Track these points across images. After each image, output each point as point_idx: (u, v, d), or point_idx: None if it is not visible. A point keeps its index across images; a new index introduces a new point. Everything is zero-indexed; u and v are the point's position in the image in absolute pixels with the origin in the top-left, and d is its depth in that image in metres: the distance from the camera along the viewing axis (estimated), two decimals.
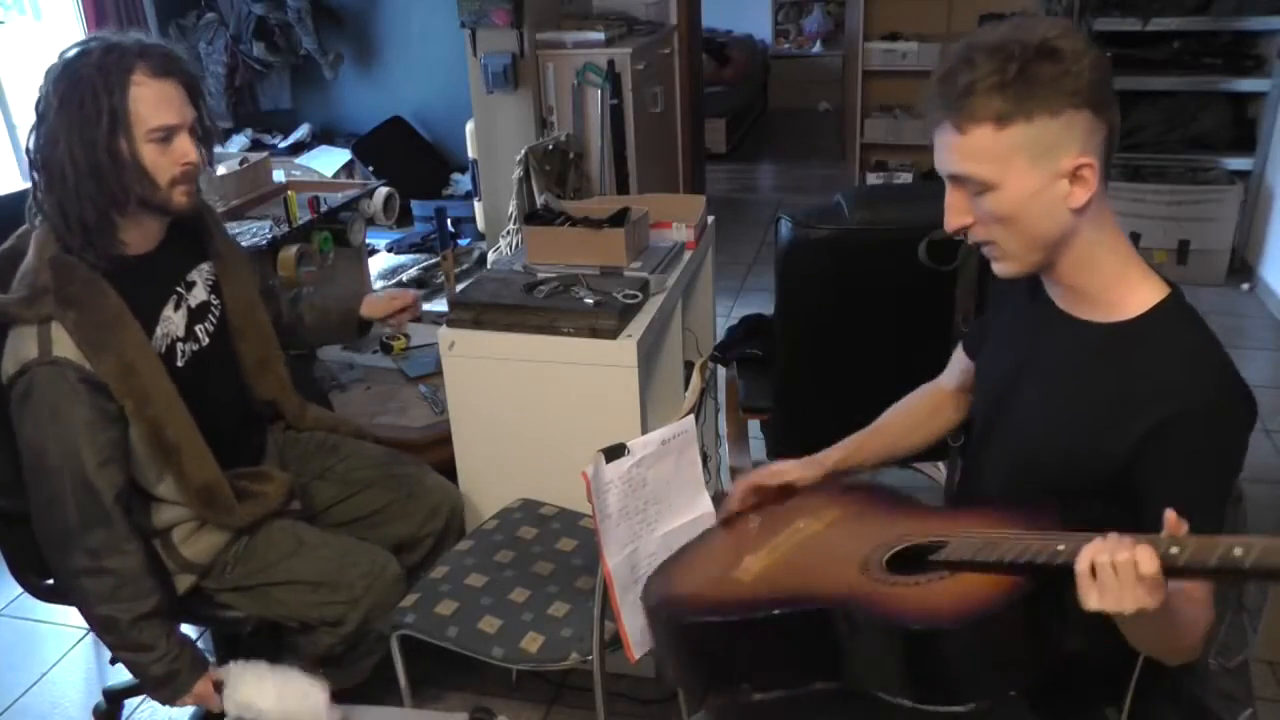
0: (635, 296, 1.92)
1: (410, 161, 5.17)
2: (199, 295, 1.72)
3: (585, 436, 1.64)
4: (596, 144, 3.50)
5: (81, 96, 1.45)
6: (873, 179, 5.37)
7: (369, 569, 1.74)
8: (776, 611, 1.09)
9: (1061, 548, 0.95)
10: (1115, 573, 0.88)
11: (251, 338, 1.80)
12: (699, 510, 1.44)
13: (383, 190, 3.05)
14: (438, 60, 5.07)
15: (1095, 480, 1.09)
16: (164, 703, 1.64)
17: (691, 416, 1.47)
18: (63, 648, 2.34)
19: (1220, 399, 1.04)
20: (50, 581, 1.78)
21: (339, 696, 1.86)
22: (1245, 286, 4.10)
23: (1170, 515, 0.90)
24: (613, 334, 1.82)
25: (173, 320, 1.66)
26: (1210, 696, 1.27)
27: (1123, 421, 1.05)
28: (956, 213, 1.11)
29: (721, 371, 2.53)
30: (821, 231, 1.99)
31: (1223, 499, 1.09)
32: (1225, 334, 1.08)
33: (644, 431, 1.77)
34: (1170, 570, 0.87)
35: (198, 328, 1.71)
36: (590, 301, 1.88)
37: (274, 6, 4.93)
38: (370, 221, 3.03)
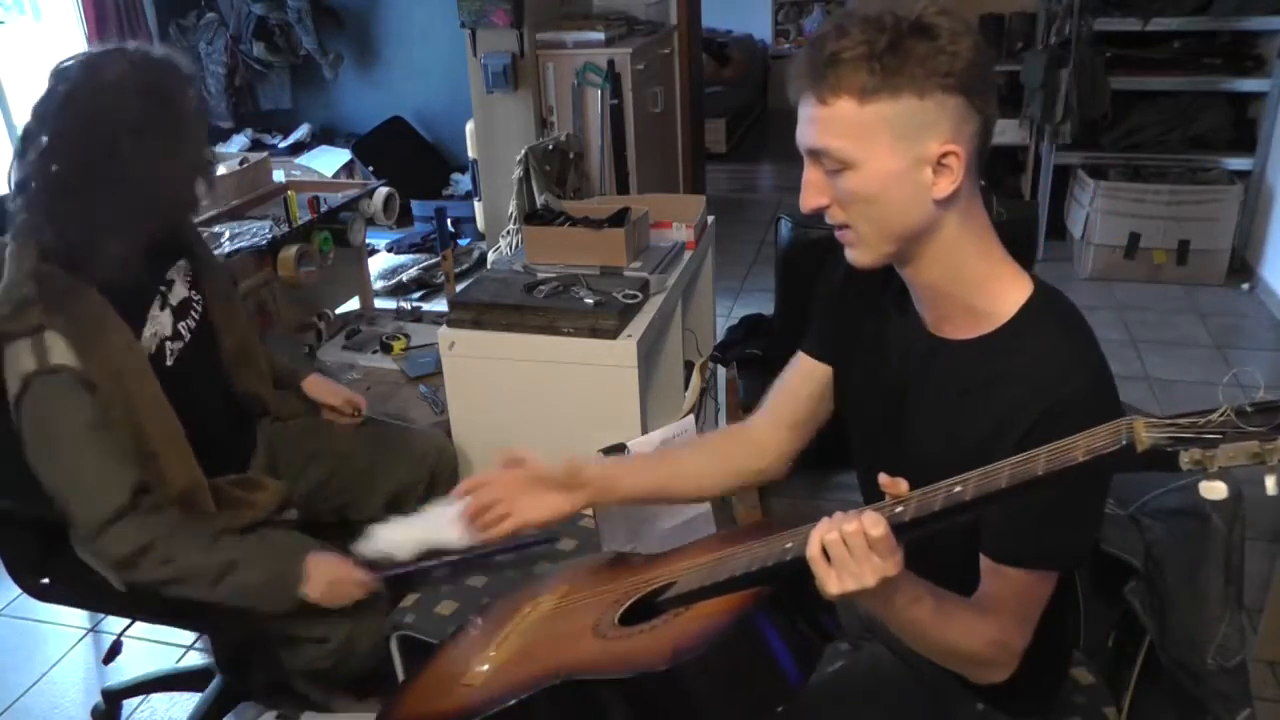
0: (635, 296, 1.92)
1: (410, 161, 5.17)
2: (180, 292, 1.72)
3: (585, 436, 1.64)
4: (596, 144, 3.50)
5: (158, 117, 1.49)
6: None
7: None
8: (513, 702, 0.98)
9: (789, 545, 0.92)
10: (847, 546, 0.86)
11: (232, 331, 1.80)
12: (697, 510, 1.44)
13: (383, 190, 3.05)
14: (438, 60, 5.07)
15: None
16: (288, 605, 1.60)
17: (691, 416, 1.47)
18: (63, 648, 2.33)
19: (1091, 386, 1.00)
20: (46, 580, 1.77)
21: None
22: (1245, 286, 4.10)
23: (884, 477, 0.88)
24: (613, 334, 1.82)
25: (160, 319, 1.66)
26: (1208, 696, 1.27)
27: (1004, 432, 1.00)
28: (814, 191, 1.04)
29: (721, 371, 2.53)
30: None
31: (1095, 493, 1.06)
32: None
33: (644, 431, 1.78)
34: (900, 526, 0.86)
35: (181, 325, 1.70)
36: (590, 301, 1.88)
37: (274, 6, 4.94)
38: (370, 221, 3.03)
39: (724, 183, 6.13)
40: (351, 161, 5.07)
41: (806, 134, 1.02)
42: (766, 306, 2.93)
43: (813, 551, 0.88)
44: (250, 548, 1.61)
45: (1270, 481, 0.71)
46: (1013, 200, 4.30)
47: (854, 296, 1.21)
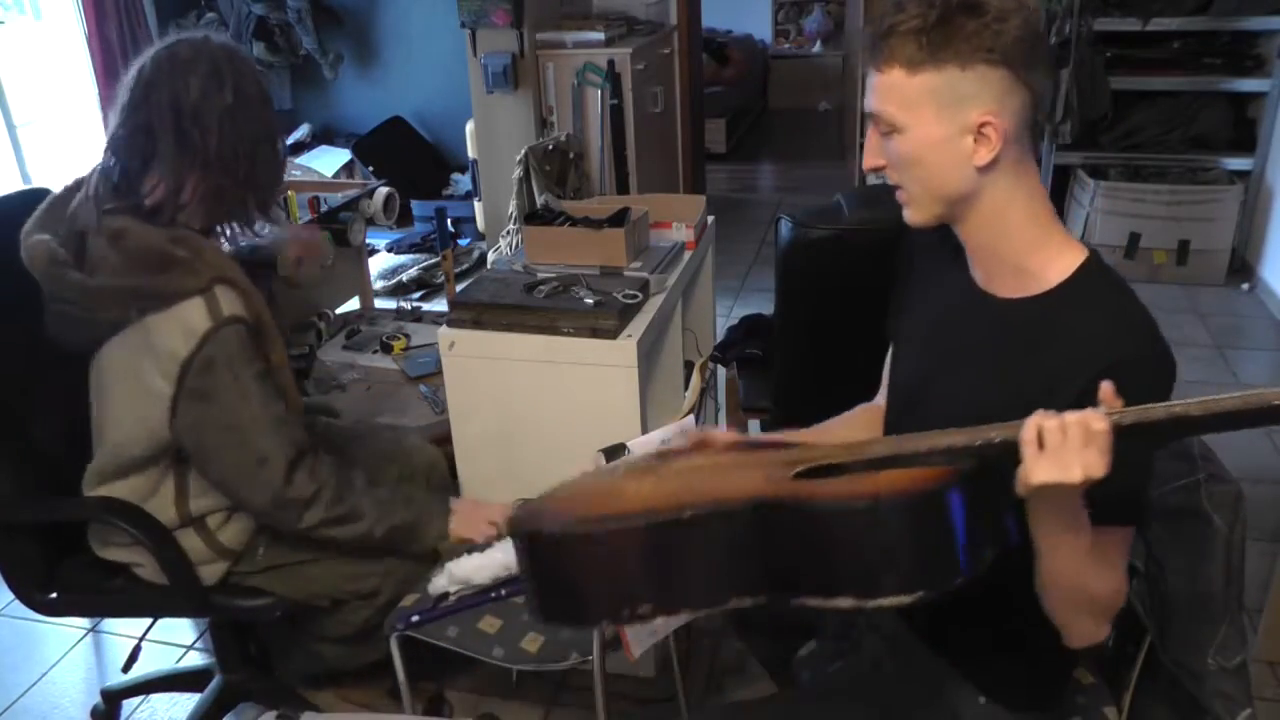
0: (635, 296, 1.92)
1: (410, 161, 5.17)
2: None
3: (585, 436, 1.64)
4: (596, 144, 3.50)
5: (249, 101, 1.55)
6: (872, 179, 5.37)
7: None
8: (688, 515, 0.93)
9: (994, 434, 0.92)
10: (1065, 434, 0.86)
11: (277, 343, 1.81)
12: None
13: (383, 190, 3.05)
14: (438, 60, 5.07)
15: None
16: (432, 543, 1.73)
17: (691, 416, 1.47)
18: (63, 648, 2.34)
19: (1153, 351, 1.03)
20: (54, 595, 1.76)
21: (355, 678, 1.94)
22: (1245, 286, 4.10)
23: (1105, 386, 0.89)
24: (613, 334, 1.82)
25: None
26: (1208, 697, 1.27)
27: (1057, 390, 1.01)
28: (871, 153, 1.14)
29: (721, 371, 2.53)
30: (821, 231, 1.99)
31: (1150, 453, 1.09)
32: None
33: (644, 431, 1.78)
34: (1118, 430, 0.86)
35: None
36: (590, 301, 1.88)
37: (274, 6, 4.93)
38: (370, 221, 3.03)
39: (724, 183, 6.13)
40: (351, 161, 5.07)
41: (868, 99, 1.11)
42: (766, 306, 2.93)
43: (1028, 434, 0.88)
44: (399, 492, 1.74)
45: None
46: None
47: (919, 266, 1.28)
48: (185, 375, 1.50)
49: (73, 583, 1.76)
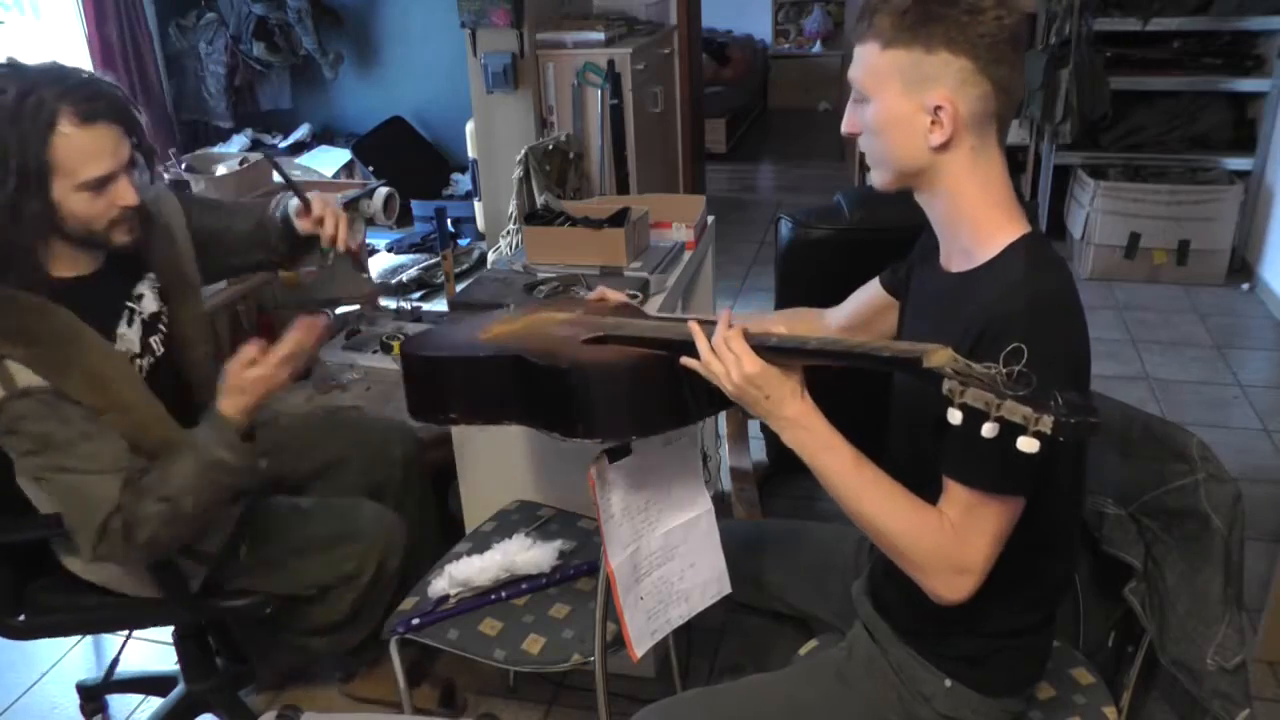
0: (635, 296, 1.92)
1: (410, 161, 5.17)
2: (150, 305, 1.66)
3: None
4: (596, 144, 3.50)
5: None
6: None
7: (373, 516, 1.79)
8: (483, 355, 1.35)
9: (680, 335, 1.21)
10: (719, 346, 1.15)
11: (203, 342, 1.77)
12: (699, 509, 1.44)
13: (383, 190, 3.05)
14: (438, 60, 5.07)
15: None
16: (244, 456, 1.56)
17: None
18: (62, 649, 2.33)
19: (1026, 310, 1.06)
20: (23, 618, 1.72)
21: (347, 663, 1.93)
22: (1245, 286, 4.10)
23: (724, 312, 1.20)
24: None
25: (128, 337, 1.60)
26: (1208, 696, 1.27)
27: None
28: (847, 119, 1.21)
29: None
30: (821, 231, 2.00)
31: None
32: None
33: None
34: (762, 348, 1.13)
35: (152, 339, 1.65)
36: None
37: (274, 6, 4.94)
38: (370, 221, 3.04)
39: (724, 183, 6.13)
40: (351, 161, 5.07)
41: (851, 67, 1.19)
42: (766, 306, 2.93)
43: (700, 342, 1.17)
44: (188, 435, 1.54)
45: (987, 428, 0.88)
46: None
47: (926, 244, 1.32)
48: None
49: (42, 604, 1.72)
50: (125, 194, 1.48)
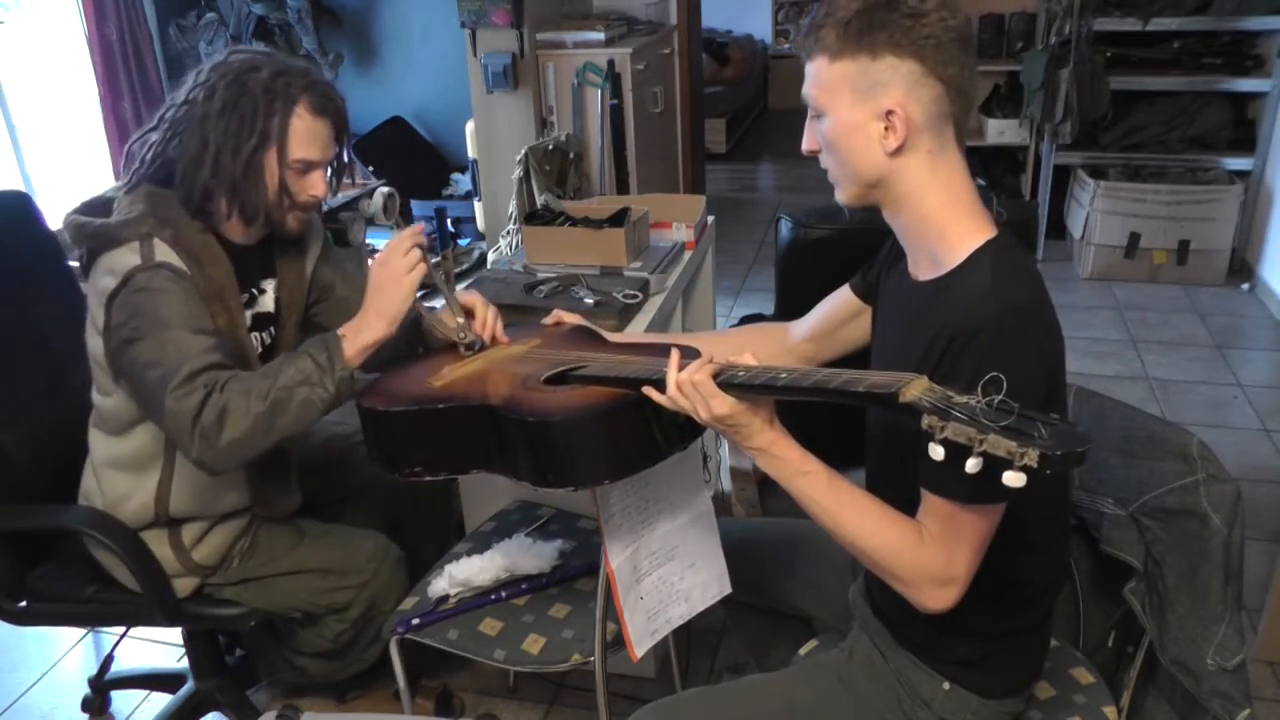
0: (635, 296, 1.92)
1: (410, 161, 5.17)
2: (266, 304, 1.71)
3: None
4: (596, 144, 3.50)
5: (243, 111, 1.50)
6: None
7: (373, 552, 1.76)
8: (441, 406, 1.29)
9: (646, 372, 1.17)
10: (686, 387, 1.12)
11: None
12: (699, 509, 1.44)
13: (383, 190, 3.03)
14: (438, 60, 5.07)
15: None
16: (343, 385, 1.44)
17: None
18: (63, 648, 2.34)
19: (994, 323, 1.04)
20: (24, 604, 1.75)
21: (344, 684, 1.90)
22: (1245, 286, 4.10)
23: (674, 354, 1.15)
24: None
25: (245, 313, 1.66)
26: (1208, 696, 1.27)
27: (923, 365, 1.08)
28: (806, 136, 1.23)
29: None
30: (821, 231, 2.00)
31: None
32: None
33: None
34: (729, 384, 1.09)
35: (255, 335, 1.69)
36: (590, 301, 1.89)
37: (274, 6, 4.93)
38: (370, 221, 3.03)
39: (724, 183, 6.14)
40: (351, 161, 5.07)
41: (804, 85, 1.21)
42: (766, 306, 2.93)
43: (670, 392, 1.13)
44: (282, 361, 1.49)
45: (971, 463, 0.83)
46: (1013, 200, 4.30)
47: (892, 254, 1.32)
48: (108, 308, 1.47)
49: (44, 591, 1.76)
50: (318, 185, 1.63)
